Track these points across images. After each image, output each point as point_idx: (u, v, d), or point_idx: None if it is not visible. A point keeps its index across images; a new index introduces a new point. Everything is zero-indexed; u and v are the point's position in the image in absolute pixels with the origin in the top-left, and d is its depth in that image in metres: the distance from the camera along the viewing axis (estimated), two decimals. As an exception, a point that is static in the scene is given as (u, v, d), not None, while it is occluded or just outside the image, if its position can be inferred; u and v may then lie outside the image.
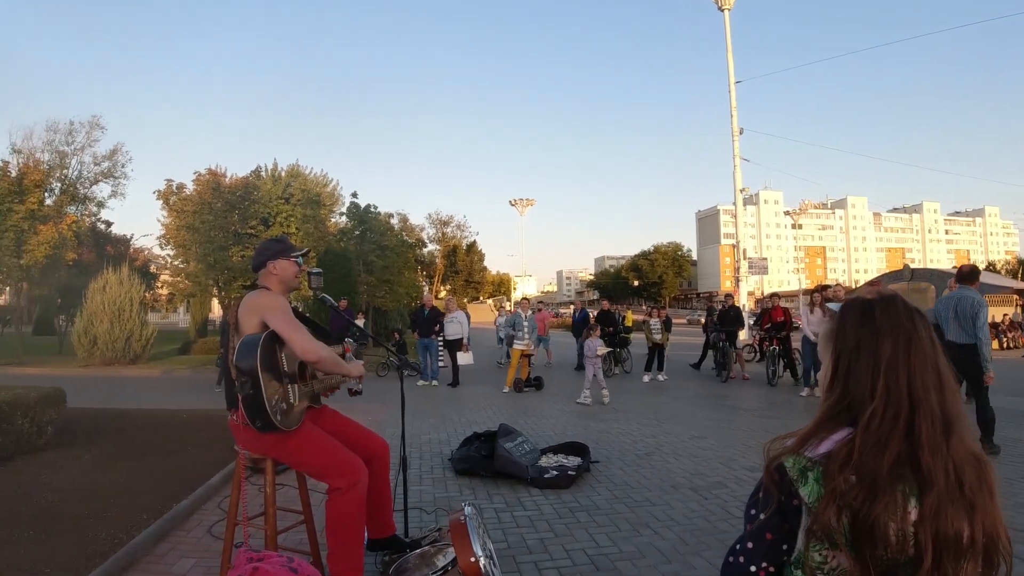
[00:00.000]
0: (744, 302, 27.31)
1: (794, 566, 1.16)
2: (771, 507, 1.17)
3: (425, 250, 58.23)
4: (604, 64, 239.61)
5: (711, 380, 13.47)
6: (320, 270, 3.36)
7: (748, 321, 20.60)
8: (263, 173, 28.64)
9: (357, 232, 23.43)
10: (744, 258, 29.30)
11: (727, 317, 13.85)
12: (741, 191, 29.32)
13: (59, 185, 27.55)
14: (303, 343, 2.80)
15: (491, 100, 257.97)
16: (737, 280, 29.42)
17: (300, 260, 3.17)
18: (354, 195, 24.09)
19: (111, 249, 30.07)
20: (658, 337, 13.47)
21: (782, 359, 12.69)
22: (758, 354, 17.61)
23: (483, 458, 5.64)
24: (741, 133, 28.81)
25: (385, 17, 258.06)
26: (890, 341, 1.16)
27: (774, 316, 12.93)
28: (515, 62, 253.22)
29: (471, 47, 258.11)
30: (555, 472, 5.40)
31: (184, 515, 4.57)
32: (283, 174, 29.12)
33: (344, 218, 26.80)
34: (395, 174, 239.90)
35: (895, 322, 1.18)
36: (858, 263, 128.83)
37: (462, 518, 2.99)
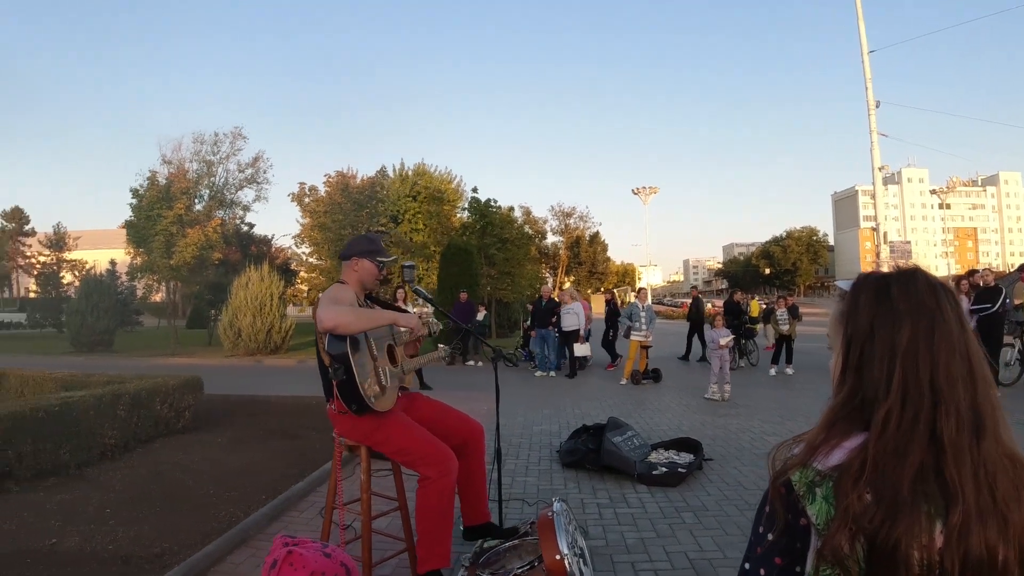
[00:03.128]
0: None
1: None
2: (778, 528, 0.98)
3: (548, 242, 58.36)
4: (725, 40, 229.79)
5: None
6: (413, 263, 3.40)
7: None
8: (390, 172, 29.69)
9: (479, 226, 23.82)
10: (885, 242, 27.31)
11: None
12: (880, 169, 27.20)
13: (207, 192, 29.93)
14: (320, 314, 2.81)
15: (610, 86, 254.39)
16: (877, 267, 27.50)
17: (381, 267, 3.23)
18: (475, 190, 24.53)
19: (254, 248, 32.22)
20: (785, 328, 12.77)
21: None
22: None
23: (590, 451, 5.51)
24: (878, 106, 26.69)
25: (500, 10, 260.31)
26: (909, 324, 0.96)
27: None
28: (631, 44, 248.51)
29: (584, 31, 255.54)
30: (664, 469, 5.20)
31: (299, 496, 4.77)
32: (410, 173, 30.03)
33: (466, 213, 27.35)
34: (517, 168, 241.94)
35: (915, 301, 0.98)
36: (1012, 245, 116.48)
37: (550, 514, 2.91)
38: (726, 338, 9.73)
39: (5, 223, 48.44)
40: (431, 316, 3.51)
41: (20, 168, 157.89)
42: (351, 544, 3.26)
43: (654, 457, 5.57)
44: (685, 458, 5.54)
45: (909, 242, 34.05)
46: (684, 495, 4.83)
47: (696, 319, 15.89)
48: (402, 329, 3.26)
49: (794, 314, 12.93)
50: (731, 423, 7.66)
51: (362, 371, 2.84)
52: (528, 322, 16.28)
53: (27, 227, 50.55)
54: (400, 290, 11.72)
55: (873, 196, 30.61)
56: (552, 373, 12.78)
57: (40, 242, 47.16)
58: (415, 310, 3.55)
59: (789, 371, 12.60)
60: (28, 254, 48.00)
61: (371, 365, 2.94)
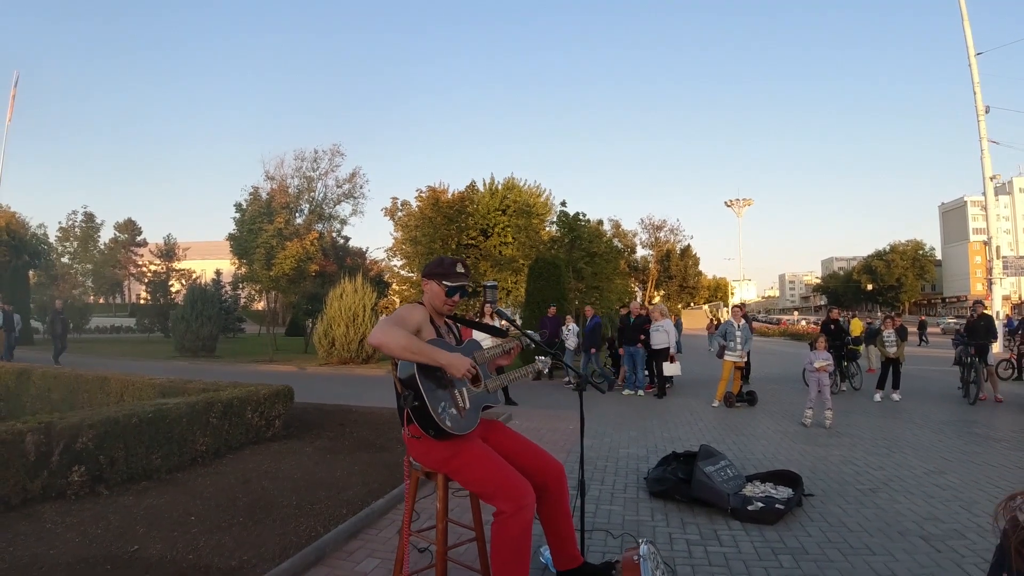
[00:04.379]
0: (998, 308, 23.64)
1: None
2: None
3: (638, 255, 57.58)
4: (825, 48, 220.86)
5: (956, 402, 11.71)
6: (495, 283, 3.28)
7: (1002, 331, 17.73)
8: (480, 187, 30.03)
9: (567, 240, 23.66)
10: (997, 257, 25.40)
11: (976, 328, 11.97)
12: (991, 179, 25.40)
13: (307, 206, 31.17)
14: (373, 329, 2.76)
15: (703, 96, 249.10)
16: (990, 283, 25.64)
17: (450, 291, 3.12)
18: (563, 204, 24.39)
19: (349, 261, 33.20)
20: (892, 350, 11.97)
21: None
22: (1016, 371, 15.25)
23: (680, 481, 5.22)
24: (987, 112, 25.05)
25: (586, 21, 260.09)
26: None
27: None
28: (726, 55, 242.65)
29: (680, 43, 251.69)
30: (760, 504, 4.85)
31: (379, 513, 4.71)
32: (500, 187, 30.26)
33: (555, 227, 27.29)
34: (606, 180, 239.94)
35: None
36: None
37: (636, 558, 2.73)
38: (820, 361, 9.16)
39: (118, 234, 51.76)
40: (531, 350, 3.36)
41: (136, 182, 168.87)
42: (426, 572, 3.15)
43: (749, 490, 5.22)
44: (783, 492, 5.16)
45: None
46: (781, 534, 4.47)
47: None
48: (486, 345, 3.15)
49: (902, 335, 12.12)
50: (832, 453, 7.16)
51: (434, 395, 2.74)
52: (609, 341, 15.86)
53: (139, 238, 53.87)
54: (488, 304, 11.70)
55: (984, 207, 28.64)
56: (640, 392, 12.44)
57: (151, 252, 50.15)
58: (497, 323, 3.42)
59: (896, 397, 11.79)
60: (139, 263, 51.11)
61: (446, 388, 2.84)
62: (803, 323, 71.17)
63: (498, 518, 2.77)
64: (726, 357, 11.03)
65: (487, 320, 10.92)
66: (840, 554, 4.11)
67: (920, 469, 6.44)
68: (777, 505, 4.84)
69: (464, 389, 2.91)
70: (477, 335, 4.84)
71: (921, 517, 4.88)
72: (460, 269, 3.10)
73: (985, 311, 12.63)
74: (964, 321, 15.04)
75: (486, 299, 3.25)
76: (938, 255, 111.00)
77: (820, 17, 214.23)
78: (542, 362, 3.38)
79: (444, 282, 3.10)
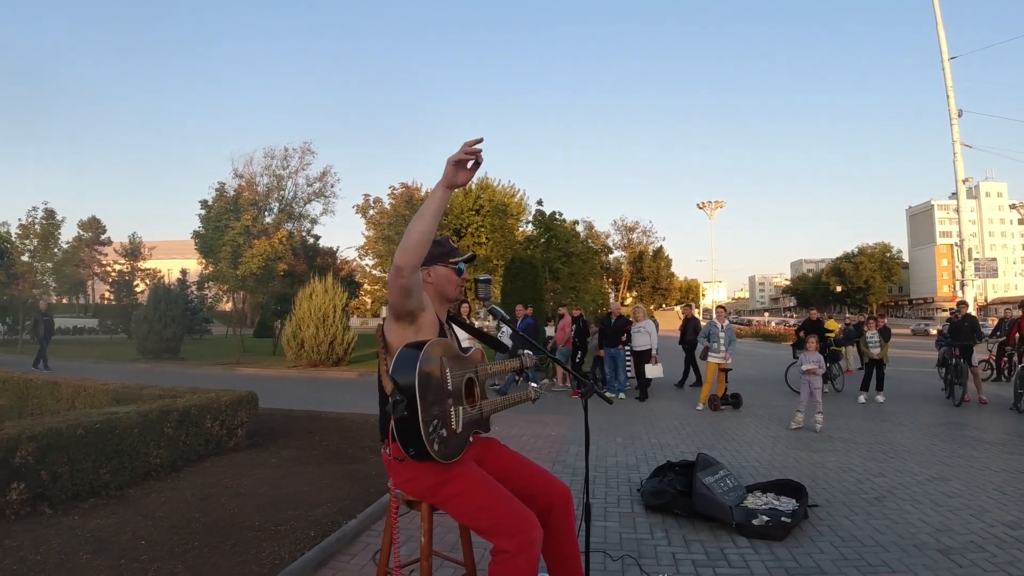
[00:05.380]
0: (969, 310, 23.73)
1: None
2: None
3: (611, 257, 57.57)
4: (793, 50, 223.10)
5: (940, 403, 11.55)
6: (489, 277, 2.80)
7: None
8: (455, 187, 29.61)
9: (543, 239, 23.34)
10: (970, 259, 25.54)
11: (960, 329, 11.84)
12: (964, 182, 25.53)
13: (277, 205, 30.49)
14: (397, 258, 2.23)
15: (674, 98, 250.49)
16: (961, 284, 25.79)
17: (461, 267, 2.64)
18: (539, 203, 24.09)
19: (320, 260, 32.51)
20: (876, 351, 11.77)
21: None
22: (994, 372, 15.22)
23: (679, 494, 4.83)
24: (960, 115, 25.19)
25: (562, 25, 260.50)
26: None
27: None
28: (695, 58, 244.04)
29: (650, 45, 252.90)
30: (766, 518, 4.48)
31: (350, 537, 4.25)
32: (474, 187, 29.87)
33: (531, 227, 26.97)
34: (579, 182, 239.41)
35: None
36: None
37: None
38: (809, 364, 8.87)
39: (82, 232, 50.28)
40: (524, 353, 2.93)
41: (99, 179, 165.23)
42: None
43: (751, 502, 4.86)
44: (787, 504, 4.81)
45: (995, 259, 31.89)
46: (793, 551, 4.10)
47: (690, 341, 14.23)
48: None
49: (886, 337, 11.92)
50: (829, 460, 6.84)
51: (429, 410, 2.27)
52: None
53: (103, 236, 52.38)
54: (464, 304, 11.22)
55: (957, 211, 28.75)
56: (621, 395, 12.08)
57: (116, 251, 48.79)
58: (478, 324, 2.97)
59: (880, 399, 11.59)
60: (104, 262, 49.70)
61: (443, 403, 2.37)
62: (773, 324, 71.80)
63: (499, 558, 2.29)
64: (709, 359, 10.73)
65: (464, 318, 10.51)
66: (859, 573, 3.76)
67: (922, 475, 6.15)
68: (783, 518, 4.48)
69: (461, 409, 2.45)
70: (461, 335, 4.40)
71: (934, 528, 4.57)
72: (456, 243, 2.62)
73: (968, 312, 12.49)
74: (943, 323, 14.94)
75: (478, 295, 2.71)
76: (905, 258, 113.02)
77: (791, 24, 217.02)
78: (535, 390, 2.99)
79: (452, 260, 2.63)
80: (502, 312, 2.89)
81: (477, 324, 8.58)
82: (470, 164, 2.22)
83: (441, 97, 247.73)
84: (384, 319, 2.54)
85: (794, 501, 4.87)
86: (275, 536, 4.16)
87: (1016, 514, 4.88)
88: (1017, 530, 4.50)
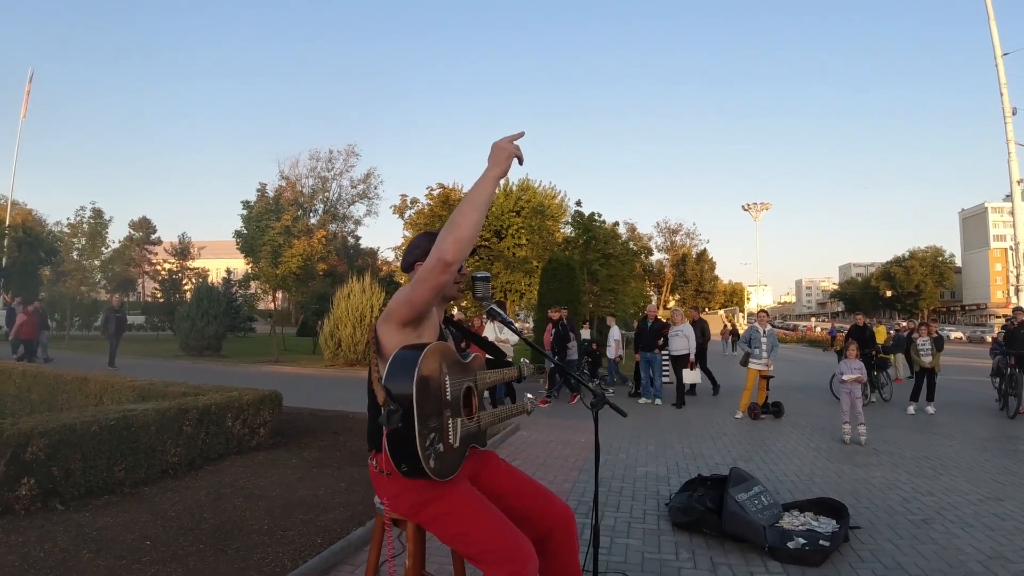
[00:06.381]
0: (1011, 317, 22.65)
1: None
2: None
3: (653, 259, 56.91)
4: (842, 47, 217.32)
5: (993, 415, 10.95)
6: (487, 274, 2.56)
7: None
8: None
9: (582, 241, 23.00)
10: (1022, 263, 24.44)
11: (1016, 337, 11.19)
12: (1019, 182, 24.40)
13: (322, 206, 30.90)
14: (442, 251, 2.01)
15: (722, 98, 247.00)
16: (1016, 290, 24.71)
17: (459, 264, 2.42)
18: (578, 203, 23.71)
19: (360, 261, 32.79)
20: (927, 360, 11.21)
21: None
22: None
23: (708, 511, 4.53)
24: (1014, 113, 24.11)
25: (603, 25, 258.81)
26: None
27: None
28: (745, 58, 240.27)
29: (700, 46, 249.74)
30: (802, 540, 4.15)
31: (356, 545, 4.07)
32: (514, 188, 29.73)
33: (569, 228, 26.69)
34: (622, 183, 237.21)
35: None
36: None
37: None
38: (851, 374, 8.43)
39: (133, 232, 51.68)
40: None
41: (152, 182, 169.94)
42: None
43: (787, 522, 4.54)
44: (826, 525, 4.47)
45: (1050, 264, 30.45)
46: (830, 578, 3.80)
47: (699, 344, 13.31)
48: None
49: (938, 345, 11.35)
50: (873, 475, 6.44)
51: (425, 421, 2.05)
52: (593, 345, 15.00)
53: (153, 236, 53.80)
54: (479, 301, 11.01)
55: (1012, 212, 27.50)
56: (657, 401, 11.75)
57: (166, 250, 50.03)
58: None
59: (930, 410, 11.03)
60: (153, 261, 51.01)
61: (441, 414, 2.14)
62: (819, 329, 70.13)
63: None
64: (751, 365, 10.33)
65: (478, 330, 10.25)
66: (902, 607, 3.43)
67: (974, 495, 5.73)
68: (821, 541, 4.15)
69: (459, 421, 2.22)
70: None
71: (986, 556, 4.19)
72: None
73: (1025, 319, 11.81)
74: (998, 330, 14.24)
75: (476, 294, 2.47)
76: (958, 262, 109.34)
77: (841, 21, 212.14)
78: (531, 402, 2.78)
79: None
80: (502, 313, 2.66)
81: (492, 338, 8.29)
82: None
83: (488, 92, 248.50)
84: (378, 318, 2.31)
85: (834, 522, 4.53)
86: (281, 541, 4.02)
87: (1080, 541, 4.48)
88: (1082, 559, 4.11)
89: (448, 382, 2.19)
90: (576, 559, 2.42)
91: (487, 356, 2.72)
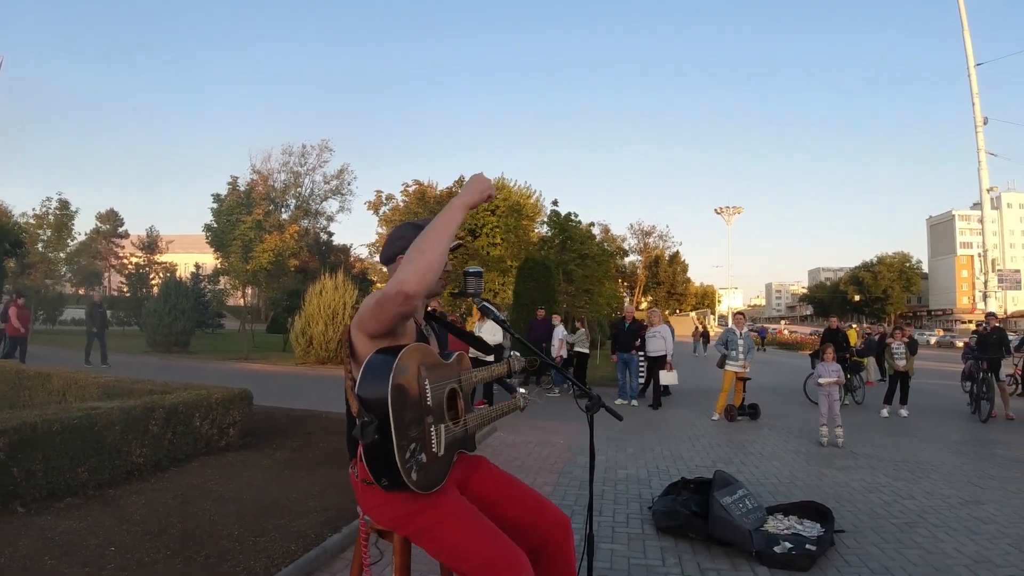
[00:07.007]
0: (983, 323, 23.09)
1: None
2: None
3: (626, 260, 57.21)
4: (815, 53, 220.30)
5: (966, 418, 11.08)
6: (479, 269, 2.42)
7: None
8: (468, 184, 29.31)
9: (558, 241, 22.98)
10: (993, 270, 24.85)
11: (988, 342, 11.35)
12: (989, 191, 24.81)
13: (294, 201, 30.46)
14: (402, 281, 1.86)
15: (695, 103, 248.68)
16: (984, 296, 25.12)
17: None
18: (555, 203, 23.71)
19: (333, 257, 32.40)
20: (901, 363, 11.30)
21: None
22: (1020, 386, 14.71)
23: (694, 515, 4.45)
24: (985, 123, 24.50)
25: (579, 28, 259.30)
26: None
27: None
28: (719, 63, 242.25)
29: (673, 51, 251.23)
30: (789, 544, 4.09)
31: (333, 553, 3.91)
32: (490, 186, 29.57)
33: (545, 228, 26.65)
34: (596, 184, 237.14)
35: None
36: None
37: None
38: (829, 377, 8.44)
39: (100, 224, 50.59)
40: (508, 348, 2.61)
41: (121, 173, 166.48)
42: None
43: (772, 525, 4.47)
44: (811, 529, 4.41)
45: (1019, 271, 31.10)
46: (819, 584, 3.73)
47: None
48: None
49: (912, 349, 11.45)
50: (853, 478, 6.43)
51: (404, 431, 1.88)
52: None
53: (121, 229, 52.71)
54: (472, 298, 10.87)
55: (981, 220, 28.09)
56: (634, 402, 11.70)
57: (133, 244, 49.05)
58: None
59: (904, 413, 11.12)
60: (120, 255, 49.97)
61: (422, 422, 1.97)
62: (785, 332, 71.09)
63: None
64: (727, 367, 10.32)
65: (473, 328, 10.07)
66: (894, 614, 3.37)
67: (954, 499, 5.73)
68: (808, 546, 4.09)
69: (443, 427, 2.06)
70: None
71: (971, 560, 4.16)
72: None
73: (997, 324, 11.99)
74: (970, 335, 14.44)
75: (467, 290, 2.33)
76: (925, 268, 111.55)
77: (815, 28, 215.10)
78: (524, 398, 2.68)
79: None
80: (495, 310, 2.52)
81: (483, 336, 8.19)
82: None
83: (461, 94, 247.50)
84: (351, 321, 2.13)
85: (819, 526, 4.47)
86: (253, 548, 3.84)
87: (1062, 546, 4.47)
88: (1066, 565, 4.10)
89: (429, 386, 2.03)
90: (572, 567, 2.30)
91: (476, 352, 2.60)
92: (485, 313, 2.48)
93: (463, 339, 2.77)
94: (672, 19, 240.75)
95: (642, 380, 12.59)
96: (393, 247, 2.23)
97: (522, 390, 2.70)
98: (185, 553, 3.72)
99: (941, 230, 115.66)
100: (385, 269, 2.33)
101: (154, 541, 3.89)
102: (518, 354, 2.75)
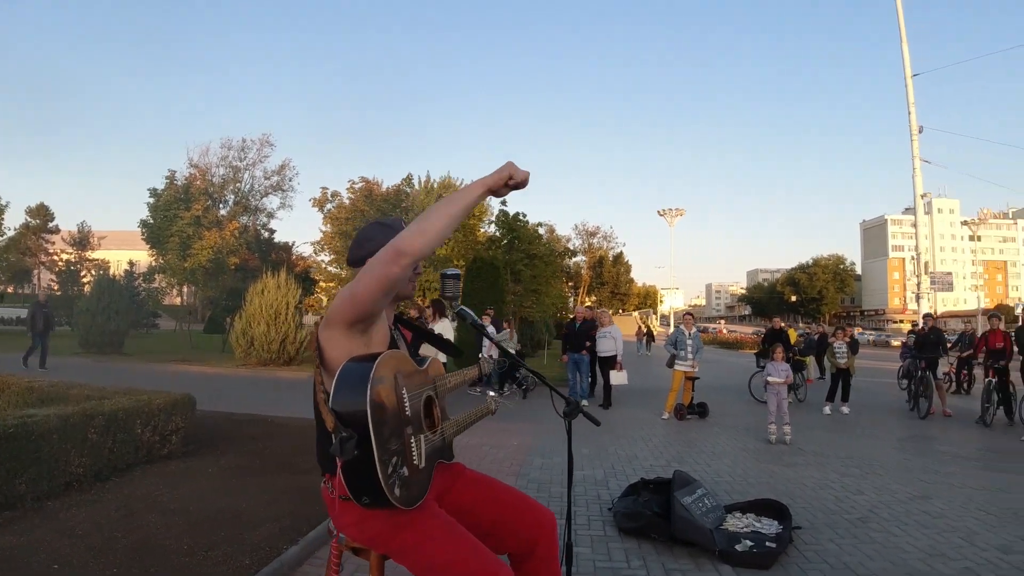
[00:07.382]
0: (920, 323, 24.09)
1: None
2: None
3: (571, 261, 57.66)
4: (754, 60, 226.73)
5: (905, 415, 11.48)
6: (458, 271, 2.35)
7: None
8: (416, 184, 29.00)
9: (505, 241, 22.95)
10: (926, 272, 25.90)
11: (926, 342, 11.80)
12: (922, 196, 25.88)
13: (232, 197, 29.66)
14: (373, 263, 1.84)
15: (637, 105, 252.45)
16: (917, 297, 26.15)
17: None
18: (503, 203, 23.63)
19: (274, 255, 31.65)
20: (843, 362, 11.65)
21: (998, 393, 10.61)
22: (954, 385, 15.36)
23: (656, 516, 4.45)
24: (921, 131, 25.53)
25: (519, 29, 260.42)
26: None
27: (992, 341, 10.84)
28: (662, 66, 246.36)
29: (616, 51, 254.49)
30: (750, 543, 4.12)
31: (290, 566, 3.76)
32: (435, 185, 29.33)
33: (493, 227, 26.60)
34: (542, 185, 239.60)
35: None
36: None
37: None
38: (778, 376, 8.62)
39: (29, 219, 48.36)
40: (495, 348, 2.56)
41: (50, 167, 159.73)
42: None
43: (731, 524, 4.51)
44: (770, 527, 4.47)
45: (950, 273, 32.45)
46: (781, 582, 3.76)
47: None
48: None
49: (854, 348, 11.82)
50: (804, 475, 6.56)
51: (385, 445, 1.77)
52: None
53: (51, 224, 50.45)
54: (448, 301, 10.73)
55: (914, 225, 29.22)
56: (585, 402, 11.75)
57: (64, 240, 47.07)
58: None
59: (845, 410, 11.45)
60: (51, 251, 47.87)
61: (401, 434, 1.87)
62: (724, 331, 72.75)
63: None
64: (676, 367, 10.45)
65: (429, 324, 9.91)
66: (856, 611, 3.42)
67: (902, 494, 5.90)
68: (768, 543, 4.14)
69: (422, 438, 1.96)
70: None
71: (926, 553, 4.28)
72: None
73: (934, 325, 12.44)
74: (907, 335, 14.98)
75: (444, 294, 2.25)
76: (858, 270, 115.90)
77: (753, 33, 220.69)
78: (495, 401, 2.64)
79: None
80: (473, 315, 2.45)
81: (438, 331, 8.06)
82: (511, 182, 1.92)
83: (421, 95, 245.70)
84: (319, 324, 2.01)
85: (776, 523, 4.54)
86: (204, 563, 3.67)
87: (1006, 537, 4.63)
88: (1011, 555, 4.25)
89: (407, 395, 1.93)
90: (557, 566, 2.25)
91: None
92: (463, 317, 2.41)
93: (429, 341, 2.67)
94: (616, 21, 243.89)
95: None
96: (362, 249, 2.09)
97: (492, 394, 2.66)
98: (132, 570, 3.53)
99: (874, 233, 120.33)
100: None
101: (100, 557, 3.67)
102: (489, 356, 2.70)
